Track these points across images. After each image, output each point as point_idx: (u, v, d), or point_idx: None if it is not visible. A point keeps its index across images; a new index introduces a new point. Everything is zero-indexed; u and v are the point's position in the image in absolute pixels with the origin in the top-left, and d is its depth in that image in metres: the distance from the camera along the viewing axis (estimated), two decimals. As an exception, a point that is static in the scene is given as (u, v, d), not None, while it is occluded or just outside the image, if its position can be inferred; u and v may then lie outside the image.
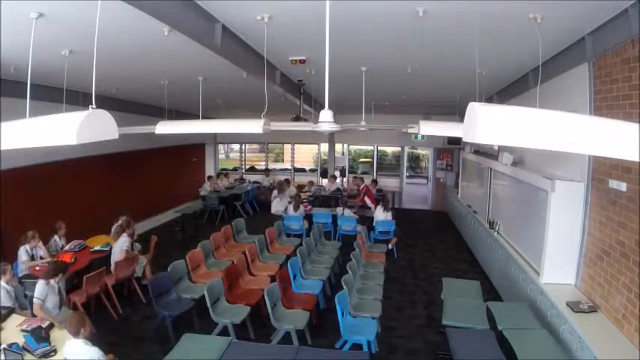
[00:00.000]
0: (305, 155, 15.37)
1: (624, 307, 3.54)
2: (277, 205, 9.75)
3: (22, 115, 2.76)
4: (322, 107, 2.56)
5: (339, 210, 8.83)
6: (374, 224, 8.28)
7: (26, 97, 3.01)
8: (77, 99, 5.98)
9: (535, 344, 3.73)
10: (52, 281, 4.17)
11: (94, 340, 3.46)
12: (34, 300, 4.08)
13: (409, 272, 7.39)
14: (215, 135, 13.38)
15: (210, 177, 12.19)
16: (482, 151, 8.74)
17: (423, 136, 9.48)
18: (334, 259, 6.83)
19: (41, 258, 5.55)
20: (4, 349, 3.32)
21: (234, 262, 6.05)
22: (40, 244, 5.65)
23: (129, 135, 5.42)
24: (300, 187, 12.06)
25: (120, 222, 6.76)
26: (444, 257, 8.26)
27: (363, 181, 11.25)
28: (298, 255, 6.17)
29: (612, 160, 3.73)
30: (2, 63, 4.48)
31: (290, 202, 9.28)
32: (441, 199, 12.65)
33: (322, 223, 8.40)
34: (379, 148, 13.59)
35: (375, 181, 11.98)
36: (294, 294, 5.37)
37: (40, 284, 4.13)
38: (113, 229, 6.80)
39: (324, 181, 12.60)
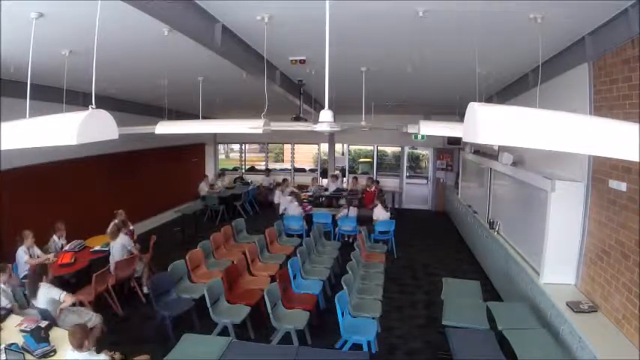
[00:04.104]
0: (305, 155, 15.37)
1: (624, 307, 3.54)
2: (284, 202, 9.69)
3: (22, 115, 2.75)
4: (322, 107, 2.56)
5: (344, 211, 8.78)
6: (374, 225, 8.28)
7: (26, 97, 3.00)
8: (77, 99, 5.96)
9: (535, 344, 3.73)
10: None
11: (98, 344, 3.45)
12: None
13: (409, 272, 7.39)
14: (215, 135, 13.38)
15: (205, 175, 12.10)
16: (482, 151, 8.74)
17: (423, 136, 9.46)
18: (334, 259, 6.83)
19: (38, 258, 5.54)
20: (5, 348, 3.32)
21: (234, 262, 6.05)
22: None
23: (129, 135, 5.42)
24: (300, 187, 12.05)
25: (116, 221, 6.75)
26: (444, 257, 8.26)
27: (373, 182, 11.28)
28: (298, 255, 6.17)
29: (612, 160, 3.72)
30: (2, 63, 4.47)
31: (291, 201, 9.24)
32: (441, 199, 12.65)
33: (322, 223, 8.39)
34: (379, 148, 13.59)
35: (377, 182, 11.98)
36: (294, 294, 5.37)
37: None
38: (109, 228, 6.78)
39: (324, 181, 12.60)
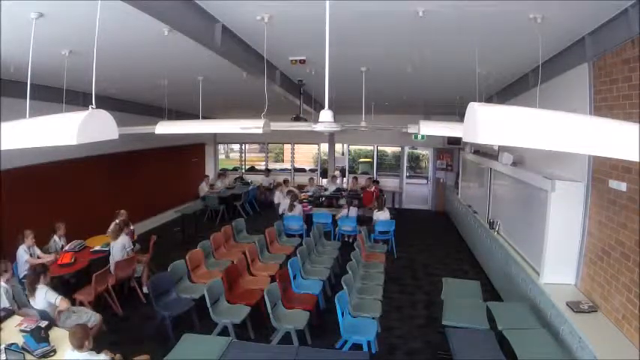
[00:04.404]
0: (305, 155, 15.37)
1: (624, 307, 3.54)
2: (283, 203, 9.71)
3: (22, 115, 2.75)
4: (322, 107, 2.56)
5: (344, 211, 8.78)
6: (374, 225, 8.28)
7: (26, 97, 3.00)
8: (77, 99, 5.97)
9: (535, 344, 3.73)
10: None
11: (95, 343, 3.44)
12: None
13: (409, 272, 7.40)
14: (215, 135, 13.38)
15: (206, 176, 12.15)
16: (482, 151, 8.74)
17: (423, 136, 9.48)
18: (334, 259, 6.83)
19: (38, 258, 5.54)
20: (5, 348, 3.32)
21: (234, 262, 6.05)
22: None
23: (129, 135, 5.41)
24: (300, 187, 12.05)
25: (117, 220, 6.75)
26: (443, 257, 8.26)
27: (373, 182, 11.26)
28: (298, 255, 6.17)
29: (612, 160, 3.72)
30: (2, 63, 4.47)
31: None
32: (441, 199, 12.65)
33: (322, 223, 8.39)
34: (379, 148, 13.59)
35: (377, 182, 11.96)
36: (294, 294, 5.37)
37: None
38: (110, 228, 6.79)
39: (324, 181, 12.59)
